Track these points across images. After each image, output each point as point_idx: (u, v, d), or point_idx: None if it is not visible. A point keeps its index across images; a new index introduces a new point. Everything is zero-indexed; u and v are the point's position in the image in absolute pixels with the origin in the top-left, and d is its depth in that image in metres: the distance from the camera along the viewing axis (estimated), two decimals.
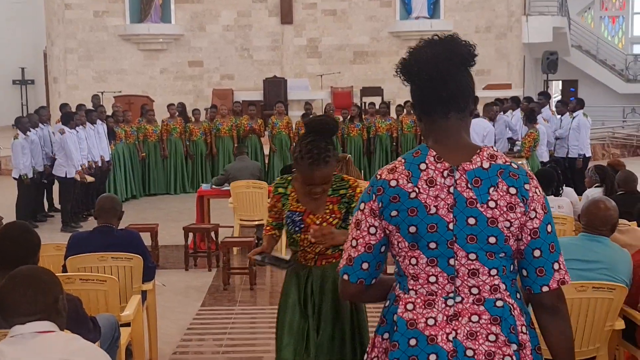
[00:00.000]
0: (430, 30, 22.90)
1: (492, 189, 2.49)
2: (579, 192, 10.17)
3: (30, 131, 12.80)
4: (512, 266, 2.55)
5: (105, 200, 6.01)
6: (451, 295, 2.51)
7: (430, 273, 2.52)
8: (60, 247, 6.03)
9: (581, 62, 29.13)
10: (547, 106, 15.36)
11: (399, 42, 23.34)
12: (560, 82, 30.36)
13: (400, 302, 2.57)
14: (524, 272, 2.56)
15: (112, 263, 5.57)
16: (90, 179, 13.05)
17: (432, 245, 2.50)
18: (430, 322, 2.50)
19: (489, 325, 2.48)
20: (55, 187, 14.05)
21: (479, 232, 2.47)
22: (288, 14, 23.17)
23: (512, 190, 2.49)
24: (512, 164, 2.55)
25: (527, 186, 2.51)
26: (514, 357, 2.47)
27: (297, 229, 4.28)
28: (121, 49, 23.20)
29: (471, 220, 2.48)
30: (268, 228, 4.57)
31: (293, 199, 4.33)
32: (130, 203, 14.86)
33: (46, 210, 13.98)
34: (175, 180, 16.47)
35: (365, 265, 2.61)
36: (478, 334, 2.47)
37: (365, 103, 19.42)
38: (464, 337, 2.46)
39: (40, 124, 13.42)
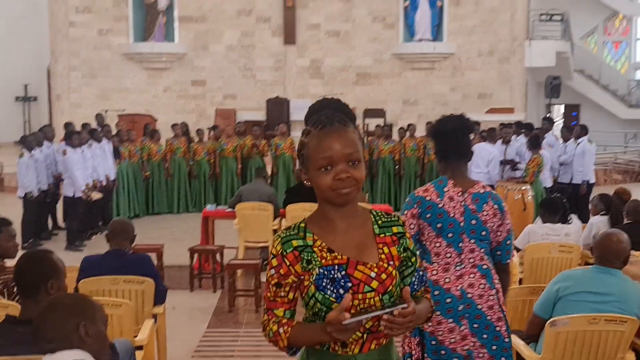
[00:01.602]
0: (433, 52, 23.04)
1: (485, 204, 4.31)
2: (583, 219, 10.19)
3: (35, 149, 12.81)
4: (489, 247, 4.35)
5: (117, 224, 6.04)
6: (458, 264, 4.29)
7: (447, 252, 4.29)
8: (71, 269, 6.04)
9: (584, 87, 29.22)
10: (551, 132, 15.41)
11: (402, 64, 23.43)
12: (562, 106, 30.42)
13: (428, 270, 4.26)
14: (498, 252, 4.39)
15: (124, 286, 5.59)
16: (96, 195, 13.05)
17: (450, 235, 4.28)
18: (447, 280, 4.27)
19: (480, 279, 4.27)
20: (60, 205, 14.09)
21: (477, 228, 4.29)
22: (291, 34, 23.26)
23: (495, 206, 4.33)
24: (493, 191, 4.40)
25: (502, 205, 4.37)
26: (494, 296, 4.27)
27: (340, 292, 2.71)
28: (125, 68, 23.28)
29: (473, 222, 4.28)
30: (285, 328, 2.77)
31: (322, 249, 2.77)
32: (133, 222, 14.83)
33: (50, 228, 13.97)
34: (178, 199, 16.48)
35: None
36: (474, 284, 4.26)
37: (367, 125, 19.48)
38: (467, 287, 4.25)
39: (45, 142, 13.44)
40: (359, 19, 23.51)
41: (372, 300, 2.71)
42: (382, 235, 2.85)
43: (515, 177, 13.42)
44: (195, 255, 10.30)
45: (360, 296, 2.71)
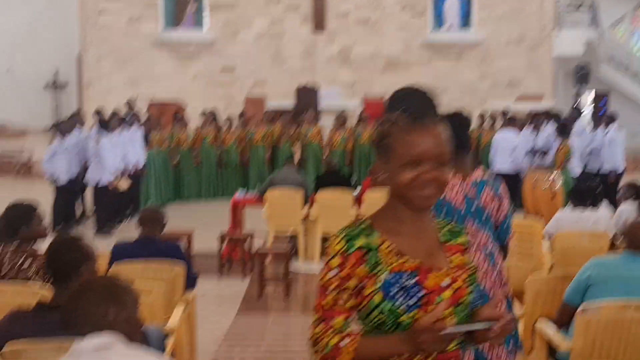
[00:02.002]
0: (462, 41, 22.94)
1: (483, 191, 4.51)
2: (612, 207, 10.14)
3: (67, 136, 12.91)
4: (493, 229, 4.56)
5: (148, 211, 6.11)
6: None
7: None
8: (100, 255, 6.09)
9: (612, 75, 28.93)
10: (579, 120, 15.32)
11: (431, 53, 23.34)
12: (591, 94, 30.15)
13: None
14: (499, 233, 4.59)
15: (155, 273, 5.63)
16: (124, 185, 13.15)
17: (454, 221, 3.89)
18: None
19: (484, 260, 4.43)
20: (88, 192, 14.20)
21: (478, 212, 4.49)
22: (320, 22, 23.23)
23: (492, 191, 4.54)
24: (491, 178, 4.63)
25: (499, 190, 4.57)
26: (495, 276, 4.46)
27: (411, 302, 2.41)
28: (154, 55, 23.36)
29: (473, 207, 4.49)
30: (349, 340, 2.40)
31: (390, 251, 2.45)
32: (162, 209, 14.93)
33: (79, 215, 14.08)
34: (207, 186, 16.56)
35: None
36: (478, 266, 3.77)
37: None
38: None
39: (76, 129, 13.54)
40: (389, 7, 23.41)
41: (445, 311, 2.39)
42: (449, 242, 2.58)
43: (543, 165, 13.36)
44: (225, 242, 10.37)
45: (430, 308, 2.39)
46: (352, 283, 2.41)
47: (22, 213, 5.33)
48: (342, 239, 2.44)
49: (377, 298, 2.40)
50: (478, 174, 4.64)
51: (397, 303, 2.39)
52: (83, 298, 2.89)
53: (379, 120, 2.59)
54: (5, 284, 4.90)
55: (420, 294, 2.41)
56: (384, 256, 2.44)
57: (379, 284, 2.40)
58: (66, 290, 3.66)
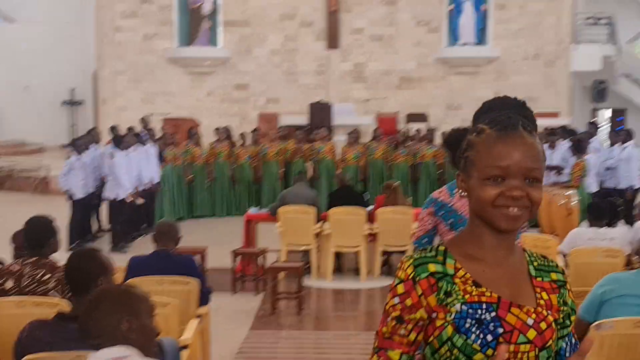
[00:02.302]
0: (477, 56, 22.94)
1: None
2: (629, 224, 10.10)
3: (83, 152, 12.99)
4: None
5: (163, 225, 6.12)
6: None
7: None
8: (117, 269, 6.11)
9: (630, 92, 28.86)
10: (596, 136, 15.27)
11: (446, 69, 23.35)
12: (609, 110, 30.12)
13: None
14: None
15: (169, 287, 5.64)
16: (140, 200, 13.23)
17: (460, 228, 4.70)
18: None
19: None
20: (104, 207, 14.27)
21: None
22: (334, 38, 23.29)
23: None
24: None
25: None
26: None
27: (488, 339, 2.11)
28: (169, 72, 23.48)
29: None
30: None
31: (465, 280, 2.16)
32: None
33: (95, 231, 14.14)
34: (221, 203, 16.59)
35: (424, 240, 5.08)
36: None
37: (409, 129, 19.43)
38: None
39: (92, 145, 13.63)
40: (403, 23, 23.45)
41: (526, 355, 2.12)
42: (539, 279, 2.24)
43: (560, 182, 13.32)
44: (238, 258, 10.38)
45: (512, 347, 2.11)
46: (418, 314, 2.13)
47: (45, 228, 5.36)
48: (411, 264, 2.16)
49: (447, 331, 2.11)
50: None
51: (471, 339, 2.10)
52: (97, 308, 2.91)
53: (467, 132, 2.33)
54: (26, 297, 4.93)
55: (499, 331, 2.10)
56: (459, 285, 2.13)
57: (450, 316, 2.10)
58: (85, 302, 3.70)
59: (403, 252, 11.07)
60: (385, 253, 11.22)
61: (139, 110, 21.71)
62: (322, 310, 9.59)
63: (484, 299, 2.12)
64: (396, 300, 2.15)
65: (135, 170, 13.22)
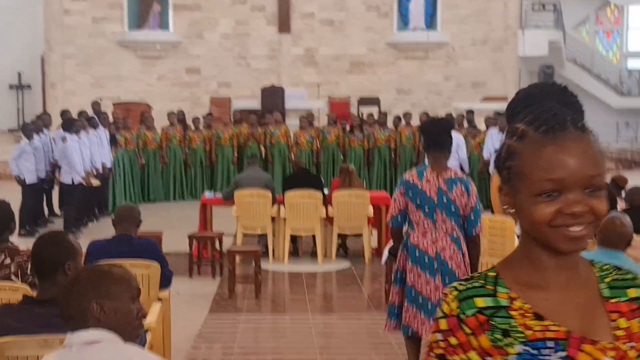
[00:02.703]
0: (427, 41, 23.10)
1: (454, 186, 5.52)
2: None
3: (33, 137, 12.83)
4: (460, 220, 5.57)
5: (124, 209, 6.10)
6: (434, 232, 5.54)
7: (425, 222, 5.56)
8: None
9: (576, 76, 29.32)
10: None
11: (396, 53, 23.48)
12: None
13: (410, 235, 5.64)
14: (465, 224, 5.58)
15: (130, 270, 5.62)
16: (95, 182, 13.13)
17: (427, 209, 5.54)
18: (425, 243, 5.55)
19: (450, 244, 5.53)
20: (55, 192, 14.13)
21: (448, 204, 5.51)
22: (286, 23, 23.28)
23: (462, 187, 5.53)
24: (463, 177, 5.67)
25: (469, 187, 5.55)
26: (461, 258, 5.55)
27: None
28: (119, 56, 23.26)
29: (444, 199, 5.50)
30: None
31: (524, 313, 1.72)
32: None
33: (46, 216, 14.00)
34: (174, 187, 16.52)
35: (399, 218, 5.67)
36: (446, 248, 5.53)
37: (362, 113, 19.54)
38: (440, 249, 5.51)
39: (43, 130, 13.48)
40: (353, 7, 23.51)
41: None
42: (615, 300, 1.77)
43: None
44: (194, 242, 10.37)
45: None
46: (467, 357, 1.74)
47: (2, 212, 5.32)
48: (454, 297, 1.75)
49: None
50: (451, 173, 5.58)
51: None
52: (71, 290, 2.88)
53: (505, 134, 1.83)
54: None
55: None
56: (517, 320, 1.71)
57: (510, 359, 1.71)
58: (52, 286, 3.69)
59: (359, 235, 11.18)
60: (340, 236, 11.29)
61: (89, 94, 21.46)
62: (279, 294, 9.64)
63: (549, 334, 1.70)
64: (439, 336, 1.78)
65: (87, 155, 13.11)
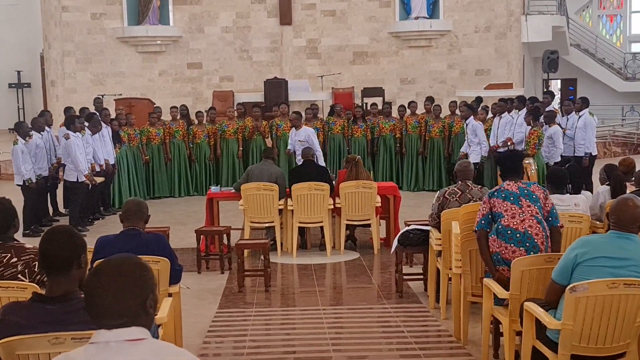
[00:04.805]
0: (430, 30, 22.97)
1: (531, 185, 6.45)
2: (588, 191, 10.20)
3: (30, 136, 12.63)
4: (542, 206, 6.34)
5: (132, 204, 5.99)
6: (521, 214, 6.26)
7: (512, 207, 6.31)
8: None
9: (580, 61, 29.24)
10: (551, 105, 15.38)
11: (399, 42, 23.35)
12: (559, 81, 30.46)
13: (501, 220, 6.31)
14: (550, 219, 6.35)
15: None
16: (99, 179, 13.04)
17: (512, 198, 6.33)
18: (515, 223, 6.24)
19: (536, 224, 6.21)
20: (59, 191, 14.04)
21: (529, 194, 6.35)
22: (287, 14, 23.15)
23: (539, 187, 6.47)
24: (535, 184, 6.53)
25: (545, 188, 6.60)
26: (545, 236, 6.21)
27: None
28: (119, 52, 23.14)
29: (525, 191, 6.38)
30: None
31: None
32: None
33: (51, 214, 13.92)
34: (179, 183, 16.41)
35: (483, 222, 6.42)
36: (532, 226, 6.20)
37: (366, 104, 19.43)
38: (527, 227, 6.20)
39: (45, 128, 13.37)
40: None
41: None
42: None
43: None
44: (202, 237, 10.29)
45: None
46: None
47: (5, 211, 5.22)
48: None
49: None
50: (524, 183, 6.51)
51: None
52: (95, 283, 2.70)
53: None
54: None
55: None
56: None
57: None
58: (66, 280, 3.59)
59: (367, 226, 11.09)
60: (349, 227, 11.20)
61: (89, 91, 21.43)
62: (288, 286, 9.55)
63: None
64: None
65: (90, 152, 13.03)
